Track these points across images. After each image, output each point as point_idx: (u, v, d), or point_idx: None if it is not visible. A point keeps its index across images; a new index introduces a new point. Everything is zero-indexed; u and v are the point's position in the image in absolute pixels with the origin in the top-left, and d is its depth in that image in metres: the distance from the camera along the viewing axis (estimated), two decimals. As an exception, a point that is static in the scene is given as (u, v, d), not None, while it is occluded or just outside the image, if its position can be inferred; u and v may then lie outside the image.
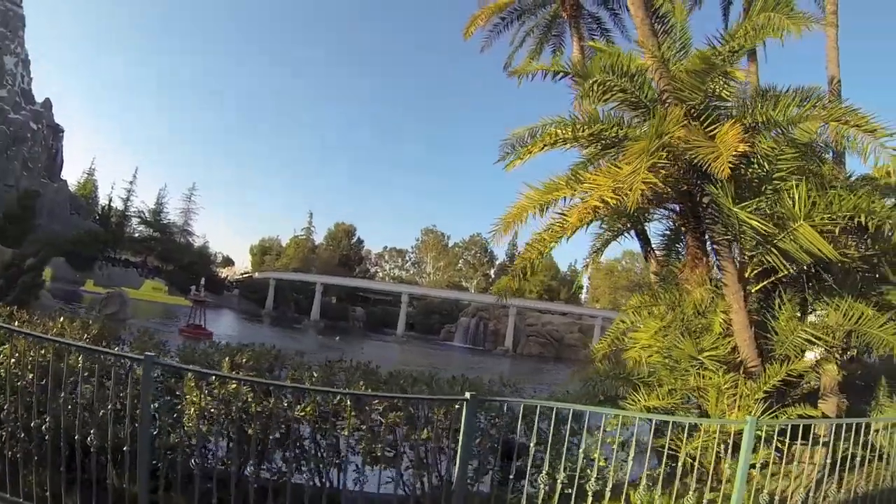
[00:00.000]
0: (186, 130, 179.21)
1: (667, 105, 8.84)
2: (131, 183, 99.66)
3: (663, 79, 8.74)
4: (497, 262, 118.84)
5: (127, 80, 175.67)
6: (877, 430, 7.69)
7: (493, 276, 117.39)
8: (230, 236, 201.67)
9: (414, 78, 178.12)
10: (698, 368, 8.83)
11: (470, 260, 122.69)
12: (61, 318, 7.62)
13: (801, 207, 7.69)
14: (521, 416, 6.48)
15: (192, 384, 5.90)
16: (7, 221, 67.02)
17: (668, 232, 12.18)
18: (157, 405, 5.98)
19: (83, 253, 78.91)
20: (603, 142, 9.65)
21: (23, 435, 5.59)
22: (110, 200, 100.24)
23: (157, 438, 5.83)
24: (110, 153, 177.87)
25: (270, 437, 6.36)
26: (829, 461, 7.09)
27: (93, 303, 48.75)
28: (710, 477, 6.81)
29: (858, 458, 6.69)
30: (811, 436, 6.97)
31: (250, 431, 5.97)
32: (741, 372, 8.71)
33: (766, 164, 8.37)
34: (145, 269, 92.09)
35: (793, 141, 8.07)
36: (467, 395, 5.94)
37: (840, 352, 10.69)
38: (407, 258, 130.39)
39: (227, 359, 6.87)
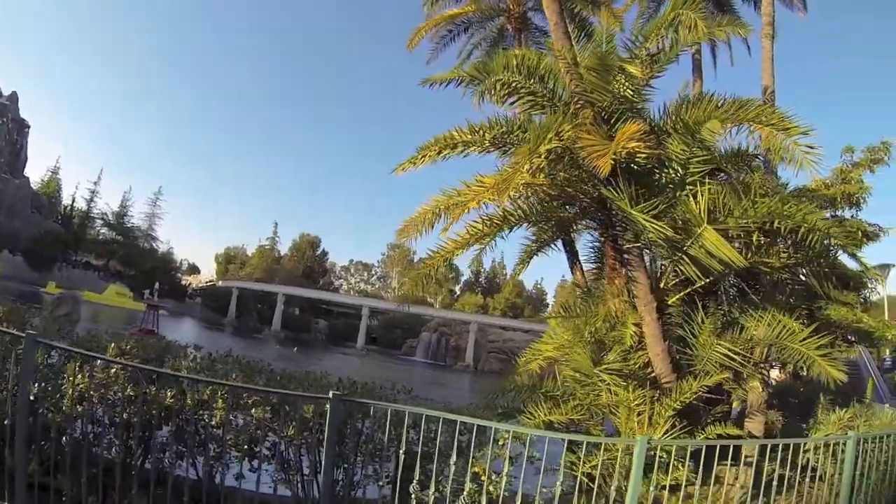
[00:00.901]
0: (155, 136, 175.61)
1: (578, 108, 8.36)
2: (96, 184, 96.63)
3: (573, 81, 8.23)
4: (462, 279, 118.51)
5: (95, 82, 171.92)
6: (807, 451, 7.19)
7: (457, 292, 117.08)
8: (197, 244, 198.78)
9: (388, 91, 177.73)
10: (608, 384, 8.29)
11: (435, 275, 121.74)
12: None
13: (704, 211, 7.17)
14: (388, 421, 6.07)
15: (76, 366, 5.78)
16: None
17: (596, 243, 11.69)
18: (40, 385, 5.82)
19: (43, 253, 76.00)
20: (511, 146, 9.10)
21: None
22: (73, 201, 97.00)
23: (36, 417, 5.60)
24: (76, 153, 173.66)
25: (137, 424, 6.03)
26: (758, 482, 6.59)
27: (47, 304, 47.61)
28: (593, 496, 6.20)
29: (787, 479, 6.16)
30: (741, 457, 6.49)
31: (125, 416, 5.86)
32: (649, 387, 8.19)
33: (679, 168, 7.84)
34: (107, 273, 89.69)
35: (702, 143, 7.52)
36: (331, 393, 5.68)
37: (769, 368, 10.25)
38: (373, 272, 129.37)
39: (112, 345, 6.72)
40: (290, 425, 6.19)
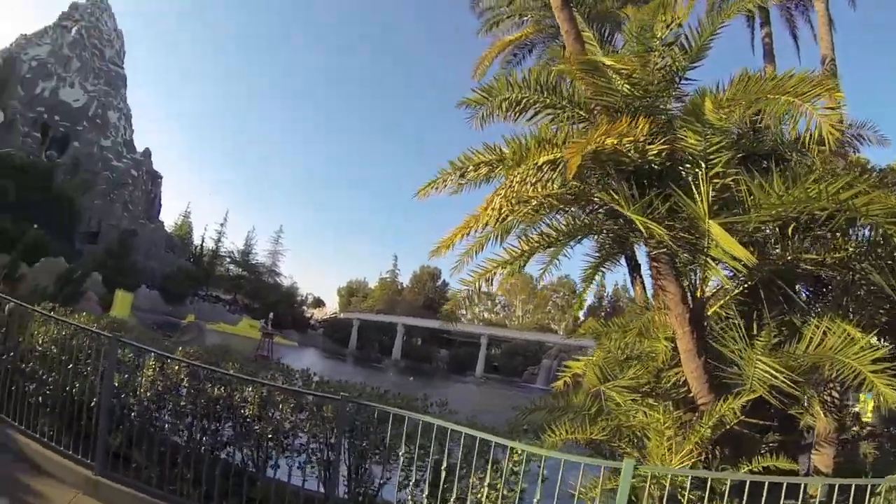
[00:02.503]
0: (281, 179, 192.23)
1: (596, 112, 7.99)
2: (222, 225, 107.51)
3: (587, 86, 7.86)
4: (586, 304, 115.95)
5: (222, 132, 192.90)
6: (877, 493, 6.15)
7: (581, 317, 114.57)
8: (325, 279, 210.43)
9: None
10: (640, 404, 7.75)
11: (558, 302, 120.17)
12: (83, 313, 9.58)
13: (706, 205, 6.48)
14: (390, 424, 6.52)
15: (151, 363, 7.24)
16: (108, 257, 71.96)
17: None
18: (122, 376, 7.31)
19: (175, 288, 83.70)
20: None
21: (36, 387, 7.52)
22: (203, 241, 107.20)
23: (119, 401, 7.25)
24: (204, 198, 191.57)
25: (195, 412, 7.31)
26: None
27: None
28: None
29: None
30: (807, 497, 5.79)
31: (183, 405, 7.21)
32: (684, 409, 7.56)
33: (702, 162, 7.16)
34: (235, 306, 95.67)
35: (713, 128, 6.76)
36: (341, 395, 6.70)
37: (838, 388, 9.11)
38: (497, 301, 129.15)
39: (180, 348, 8.29)
40: (315, 423, 7.03)
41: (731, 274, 7.90)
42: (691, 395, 7.78)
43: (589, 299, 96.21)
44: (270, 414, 7.02)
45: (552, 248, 9.13)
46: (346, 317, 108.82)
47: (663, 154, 7.28)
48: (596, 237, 9.79)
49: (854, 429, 10.96)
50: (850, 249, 7.34)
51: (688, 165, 7.38)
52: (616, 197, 7.00)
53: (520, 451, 5.99)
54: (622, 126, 6.45)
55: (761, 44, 13.07)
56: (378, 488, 7.28)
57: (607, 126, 6.54)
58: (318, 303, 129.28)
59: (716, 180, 7.06)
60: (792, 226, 7.10)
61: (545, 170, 7.52)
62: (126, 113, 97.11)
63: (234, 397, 7.07)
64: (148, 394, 7.20)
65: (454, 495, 6.02)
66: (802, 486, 5.43)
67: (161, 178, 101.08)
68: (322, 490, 6.87)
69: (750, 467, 6.92)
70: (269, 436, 7.01)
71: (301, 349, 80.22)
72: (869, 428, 11.78)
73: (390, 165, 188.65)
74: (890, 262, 7.47)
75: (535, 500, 5.58)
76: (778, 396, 7.12)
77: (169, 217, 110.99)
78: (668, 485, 5.70)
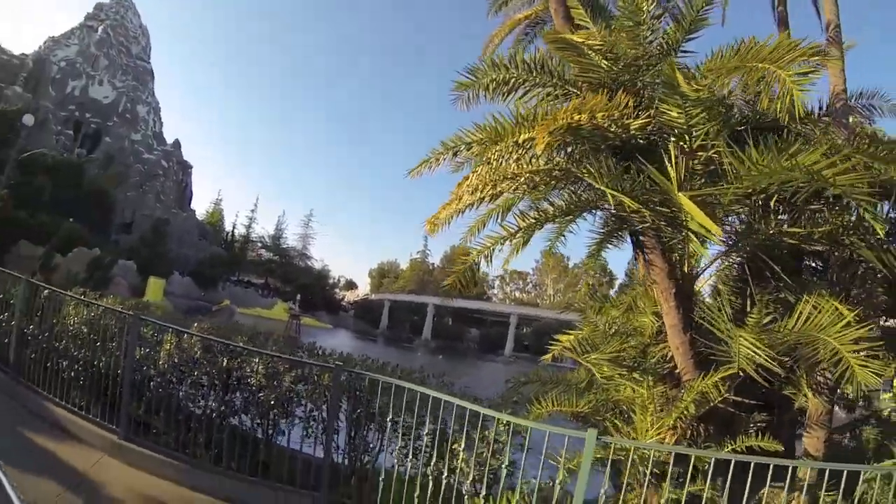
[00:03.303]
0: (320, 164, 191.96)
1: (585, 89, 7.93)
2: (252, 212, 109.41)
3: (574, 65, 7.80)
4: (617, 282, 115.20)
5: (249, 117, 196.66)
6: (867, 480, 5.91)
7: (613, 295, 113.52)
8: (360, 262, 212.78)
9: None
10: (627, 379, 7.79)
11: (589, 281, 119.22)
12: (111, 296, 10.90)
13: (675, 176, 6.39)
14: (379, 392, 7.03)
15: (168, 338, 7.92)
16: (142, 246, 74.14)
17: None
18: (144, 350, 7.97)
19: (207, 273, 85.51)
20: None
21: (68, 363, 8.31)
22: (234, 227, 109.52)
23: (141, 373, 7.88)
24: (234, 184, 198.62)
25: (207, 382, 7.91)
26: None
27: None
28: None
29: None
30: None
31: (195, 373, 7.83)
32: (670, 385, 7.56)
33: (685, 135, 7.02)
34: (267, 290, 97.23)
35: (691, 100, 6.59)
36: (335, 363, 7.25)
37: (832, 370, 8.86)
38: (528, 281, 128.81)
39: (195, 324, 9.06)
40: (315, 392, 7.51)
41: (723, 249, 7.88)
42: (677, 370, 7.77)
43: (621, 277, 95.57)
44: (275, 384, 7.53)
45: (555, 225, 9.11)
46: (377, 298, 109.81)
47: (648, 129, 7.21)
48: (599, 213, 9.77)
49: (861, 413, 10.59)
50: (836, 223, 7.17)
51: (673, 139, 7.30)
52: (591, 170, 6.95)
53: (504, 422, 6.21)
54: (594, 101, 6.43)
55: (776, 14, 12.57)
56: (374, 455, 7.66)
57: (578, 102, 6.50)
58: (351, 285, 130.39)
59: (700, 153, 6.99)
60: (774, 198, 6.97)
61: (526, 146, 7.51)
62: (154, 106, 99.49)
63: (243, 368, 7.69)
64: (166, 366, 7.85)
65: (436, 460, 6.43)
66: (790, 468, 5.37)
67: (191, 167, 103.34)
68: (321, 455, 7.19)
69: (733, 446, 6.82)
70: (272, 402, 7.55)
71: (333, 331, 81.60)
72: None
73: (419, 148, 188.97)
74: (877, 235, 7.20)
75: (502, 466, 6.06)
76: (766, 376, 6.89)
77: (200, 205, 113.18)
78: (630, 457, 5.71)
